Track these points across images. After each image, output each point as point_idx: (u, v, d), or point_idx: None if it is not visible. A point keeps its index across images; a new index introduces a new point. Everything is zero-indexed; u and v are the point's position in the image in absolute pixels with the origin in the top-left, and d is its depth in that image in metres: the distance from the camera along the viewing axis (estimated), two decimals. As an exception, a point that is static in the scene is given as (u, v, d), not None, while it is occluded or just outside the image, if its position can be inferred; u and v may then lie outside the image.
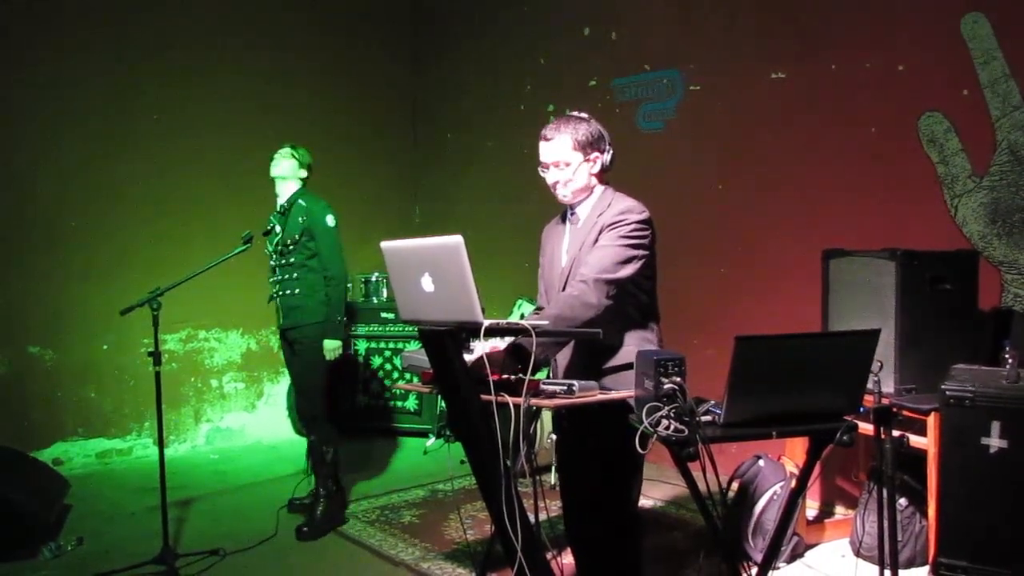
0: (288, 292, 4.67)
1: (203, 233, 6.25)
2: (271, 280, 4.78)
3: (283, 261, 4.69)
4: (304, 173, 4.79)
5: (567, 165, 2.99)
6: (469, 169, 7.30)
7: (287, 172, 4.74)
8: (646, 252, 2.94)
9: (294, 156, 4.75)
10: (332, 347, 4.69)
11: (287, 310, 4.70)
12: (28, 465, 5.00)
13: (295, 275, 4.66)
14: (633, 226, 2.91)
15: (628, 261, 2.89)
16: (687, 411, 2.37)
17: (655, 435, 2.38)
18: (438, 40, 7.59)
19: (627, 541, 3.08)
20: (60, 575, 4.13)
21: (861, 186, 4.62)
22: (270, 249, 4.77)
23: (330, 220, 4.68)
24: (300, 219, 4.65)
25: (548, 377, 3.04)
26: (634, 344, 2.93)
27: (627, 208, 2.95)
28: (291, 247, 4.64)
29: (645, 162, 5.48)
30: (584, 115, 3.06)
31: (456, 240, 2.47)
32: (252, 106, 6.75)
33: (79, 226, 6.06)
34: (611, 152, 3.06)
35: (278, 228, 4.72)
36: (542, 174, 3.06)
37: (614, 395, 2.74)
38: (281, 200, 4.75)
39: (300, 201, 4.71)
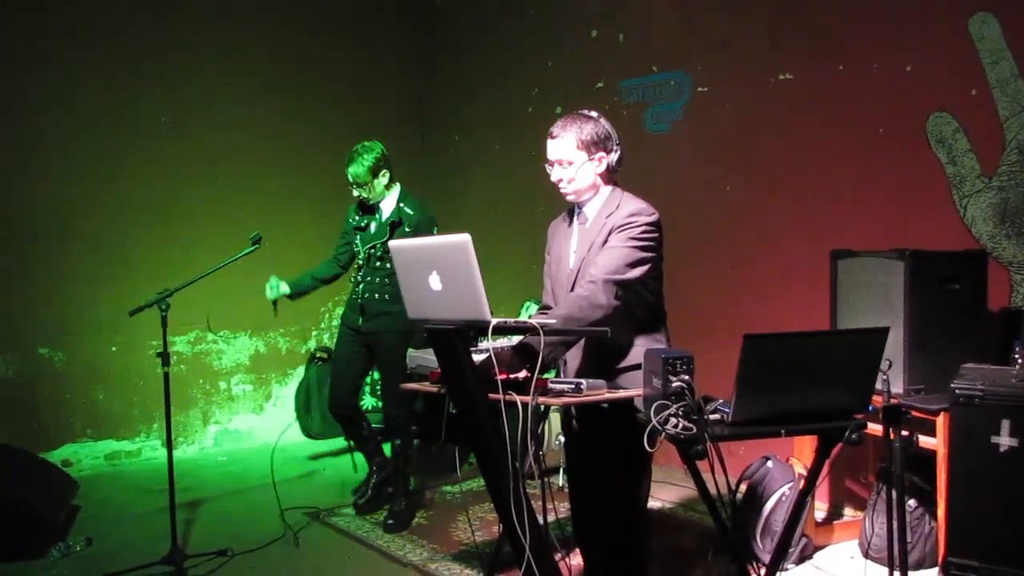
0: (376, 296, 4.65)
1: (211, 235, 6.25)
2: (355, 278, 4.75)
3: (376, 264, 4.66)
4: (385, 174, 4.65)
5: (570, 164, 3.00)
6: (477, 172, 7.31)
7: (379, 191, 4.66)
8: (655, 254, 2.95)
9: (371, 171, 4.60)
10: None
11: (372, 314, 4.67)
12: (37, 466, 5.02)
13: (387, 281, 4.61)
14: (643, 228, 2.92)
15: (638, 263, 2.90)
16: (695, 409, 2.37)
17: (663, 433, 2.38)
18: (446, 44, 7.60)
19: (636, 541, 3.08)
20: (69, 575, 4.14)
21: (869, 187, 4.61)
22: (361, 248, 4.70)
23: (436, 233, 4.61)
24: (406, 229, 4.59)
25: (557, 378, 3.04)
26: (643, 345, 2.93)
27: (637, 210, 2.95)
28: (388, 254, 4.59)
29: (652, 164, 5.48)
30: (593, 113, 3.07)
31: (464, 238, 2.47)
32: (260, 109, 6.76)
33: (87, 228, 6.07)
34: (619, 152, 3.06)
35: (373, 227, 4.68)
36: (547, 170, 3.07)
37: (622, 394, 2.74)
38: (386, 213, 4.69)
39: (407, 210, 4.65)
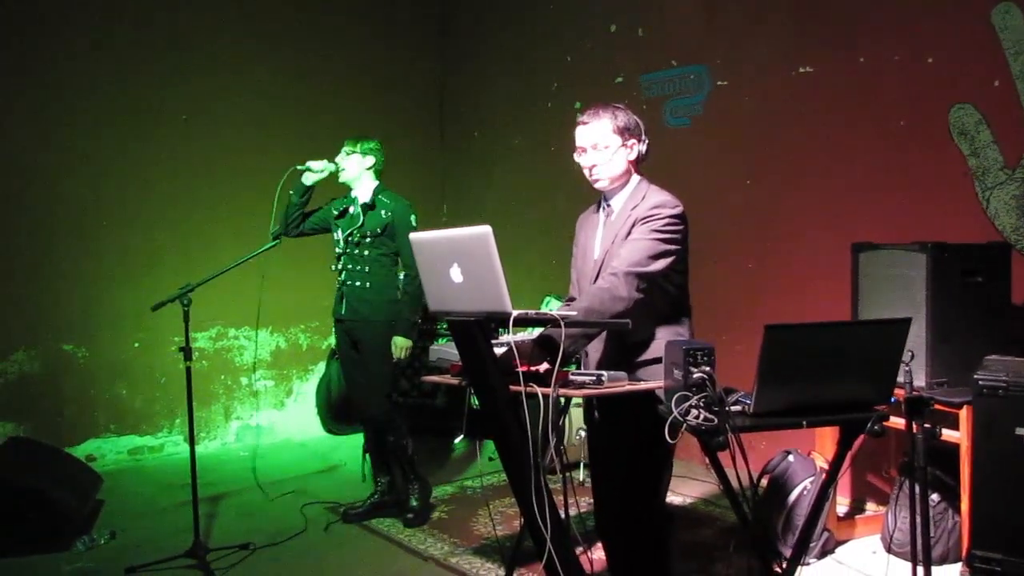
0: (358, 284, 4.66)
1: (232, 232, 6.28)
2: (337, 267, 4.76)
3: (356, 252, 4.67)
4: (371, 161, 4.72)
5: (606, 148, 2.99)
6: (496, 167, 7.31)
7: (354, 172, 4.73)
8: (678, 247, 2.93)
9: (354, 151, 4.71)
10: (404, 345, 4.67)
11: (353, 302, 4.67)
12: (62, 461, 5.07)
13: (367, 268, 4.64)
14: (666, 220, 2.90)
15: (660, 255, 2.88)
16: (716, 400, 2.36)
17: (684, 424, 2.38)
18: (465, 39, 7.62)
19: (657, 534, 3.07)
20: (93, 567, 4.18)
21: (891, 179, 4.58)
22: (341, 235, 4.72)
23: (413, 220, 4.67)
24: (383, 214, 4.64)
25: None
26: (665, 338, 2.92)
27: (661, 202, 2.94)
28: (368, 240, 4.64)
29: (672, 158, 5.45)
30: (620, 105, 3.08)
31: (485, 230, 2.47)
32: (280, 105, 6.80)
33: (110, 225, 6.13)
34: (647, 143, 3.06)
35: (359, 215, 4.69)
36: (577, 159, 3.06)
37: (643, 385, 2.73)
38: (362, 199, 4.72)
39: (382, 198, 4.70)
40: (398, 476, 4.90)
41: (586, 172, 3.04)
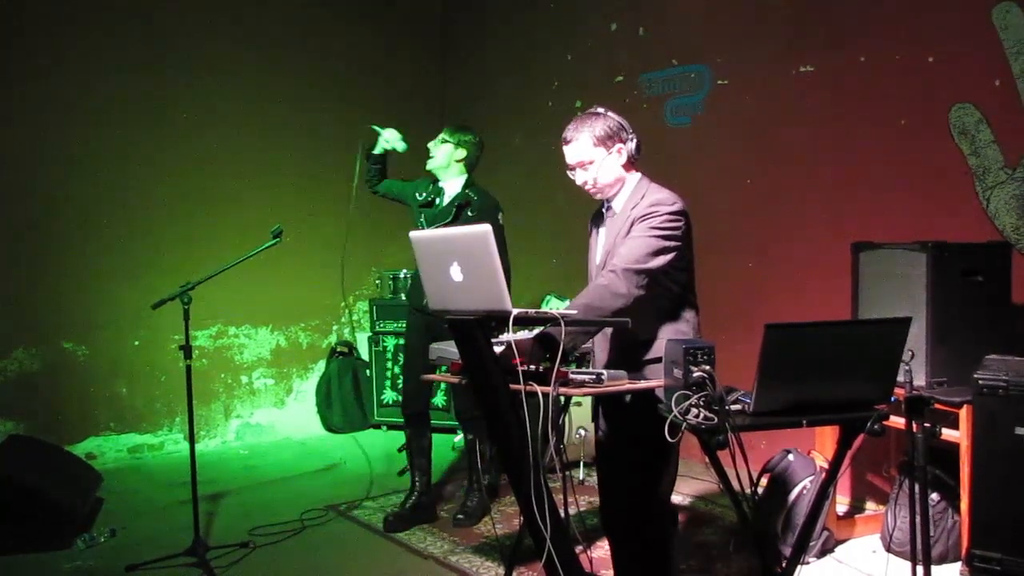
0: None
1: (233, 230, 6.27)
2: None
3: None
4: (462, 154, 4.61)
5: (591, 163, 2.99)
6: (497, 166, 7.28)
7: (442, 161, 4.61)
8: (678, 243, 2.92)
9: (447, 141, 4.61)
10: None
11: None
12: (62, 459, 5.08)
13: None
14: (664, 217, 2.90)
15: (659, 252, 2.88)
16: (717, 399, 2.36)
17: (684, 424, 2.38)
18: (465, 38, 7.61)
19: (660, 532, 3.08)
20: (93, 565, 4.18)
21: (891, 179, 4.58)
22: (425, 225, 4.59)
23: (500, 219, 4.57)
24: (469, 213, 4.51)
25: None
26: (668, 337, 2.92)
27: (659, 199, 2.94)
28: None
29: (673, 157, 5.46)
30: (599, 110, 3.06)
31: (484, 228, 2.47)
32: (281, 103, 6.79)
33: (110, 224, 6.12)
34: (635, 139, 3.05)
35: (438, 205, 4.62)
36: (571, 177, 3.06)
37: (643, 384, 2.74)
38: (450, 192, 4.63)
39: (471, 194, 4.59)
40: (469, 474, 4.83)
41: (582, 187, 3.05)
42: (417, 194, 4.71)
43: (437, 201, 4.64)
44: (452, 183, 4.64)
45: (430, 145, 4.66)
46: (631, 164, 3.06)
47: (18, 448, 4.90)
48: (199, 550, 4.08)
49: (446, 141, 4.61)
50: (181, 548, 4.11)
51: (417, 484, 4.76)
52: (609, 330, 3.04)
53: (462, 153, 4.60)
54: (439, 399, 6.65)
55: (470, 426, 4.75)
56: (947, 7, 4.32)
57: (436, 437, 6.45)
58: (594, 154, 2.98)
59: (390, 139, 4.71)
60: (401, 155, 4.77)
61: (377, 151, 4.76)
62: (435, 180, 4.70)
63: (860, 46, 4.69)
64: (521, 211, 6.92)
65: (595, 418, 3.30)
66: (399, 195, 4.80)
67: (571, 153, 3.02)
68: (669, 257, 2.89)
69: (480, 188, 4.66)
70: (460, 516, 4.65)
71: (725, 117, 5.43)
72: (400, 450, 5.21)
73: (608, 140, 2.98)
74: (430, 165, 4.65)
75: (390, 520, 4.62)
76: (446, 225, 4.43)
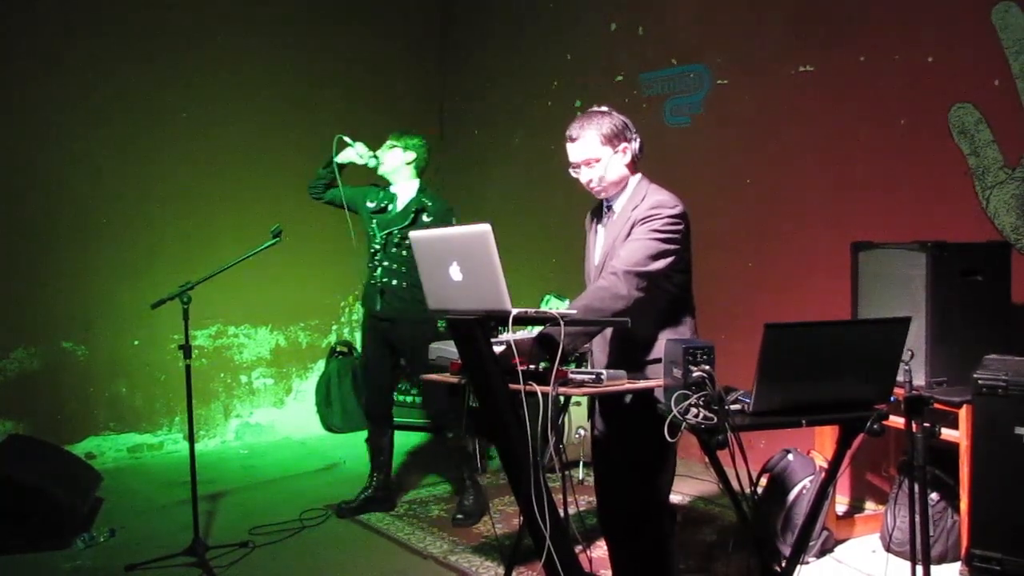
0: (395, 283, 4.63)
1: (232, 229, 6.27)
2: (372, 263, 4.71)
3: (394, 251, 4.63)
4: (411, 157, 4.67)
5: (597, 162, 2.97)
6: (496, 166, 7.31)
7: (393, 166, 4.67)
8: (678, 246, 2.92)
9: (395, 145, 4.67)
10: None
11: (393, 300, 4.63)
12: (62, 458, 5.08)
13: (404, 268, 4.59)
14: (666, 220, 2.89)
15: (660, 255, 2.88)
16: (716, 399, 2.36)
17: (684, 423, 2.38)
18: (465, 37, 7.61)
19: (659, 532, 3.08)
20: (93, 565, 4.18)
21: (890, 179, 4.58)
22: (378, 232, 4.66)
23: (455, 223, 4.57)
24: (425, 218, 4.57)
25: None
26: (667, 338, 2.92)
27: (660, 202, 2.93)
28: (408, 241, 4.60)
29: (672, 157, 5.46)
30: (604, 108, 3.05)
31: (484, 228, 2.47)
32: (280, 103, 6.79)
33: (110, 223, 6.12)
34: (639, 140, 3.05)
35: (391, 211, 4.66)
36: (574, 175, 3.05)
37: (642, 384, 2.74)
38: (403, 197, 4.69)
39: (424, 199, 4.65)
40: (460, 474, 4.85)
41: (585, 186, 3.04)
42: (368, 201, 4.76)
43: (390, 207, 4.70)
44: (404, 188, 4.72)
45: (379, 152, 4.72)
46: (633, 165, 3.06)
47: (18, 448, 4.90)
48: (198, 550, 4.08)
49: (394, 146, 4.68)
50: (180, 548, 4.11)
51: (373, 479, 4.90)
52: (607, 331, 3.04)
53: (411, 156, 4.69)
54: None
55: (447, 424, 4.77)
56: (947, 7, 4.32)
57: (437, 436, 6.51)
58: (601, 153, 2.97)
59: (362, 154, 4.72)
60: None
61: (340, 161, 4.73)
62: (386, 186, 4.76)
63: (860, 46, 4.69)
64: (520, 211, 6.94)
65: (591, 416, 3.30)
66: (348, 203, 4.78)
67: (576, 151, 3.00)
68: (669, 260, 2.89)
69: (433, 193, 4.75)
70: (459, 516, 4.65)
71: (724, 117, 5.43)
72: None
73: (615, 139, 2.98)
74: (381, 171, 4.72)
75: (342, 508, 4.84)
76: (402, 229, 4.58)
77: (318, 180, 4.80)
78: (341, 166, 4.73)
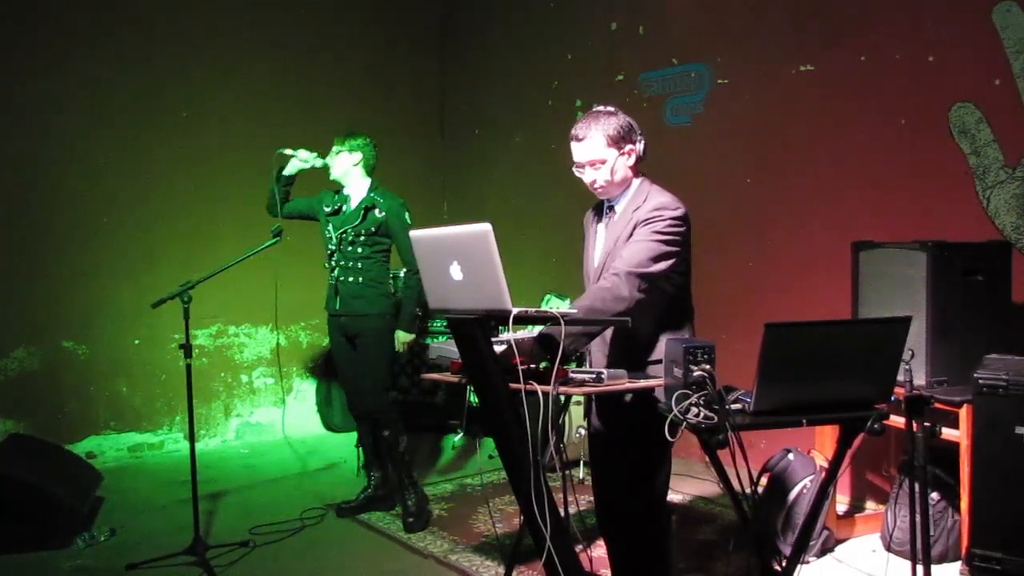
0: (351, 280, 4.66)
1: (232, 229, 6.28)
2: (329, 263, 4.76)
3: (349, 250, 4.66)
4: (358, 158, 4.71)
5: (603, 163, 2.95)
6: (497, 165, 7.31)
7: (342, 169, 4.72)
8: (679, 248, 2.92)
9: (340, 150, 4.71)
10: (406, 339, 4.75)
11: (347, 297, 4.67)
12: (63, 458, 5.08)
13: (360, 265, 4.64)
14: (668, 222, 2.89)
15: (662, 257, 2.87)
16: (716, 398, 2.36)
17: (684, 423, 2.38)
18: (465, 37, 7.61)
19: (657, 531, 3.08)
20: (93, 564, 4.19)
21: (891, 178, 4.58)
22: (333, 233, 4.70)
23: (408, 218, 4.67)
24: (377, 214, 4.63)
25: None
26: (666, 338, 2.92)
27: (663, 204, 2.92)
28: (362, 239, 4.64)
29: (673, 156, 5.45)
30: (611, 108, 3.04)
31: (484, 228, 2.47)
32: (280, 103, 6.79)
33: (110, 223, 6.13)
34: (643, 141, 3.04)
35: (344, 211, 4.70)
36: (578, 174, 3.03)
37: (642, 383, 2.73)
38: (355, 197, 4.73)
39: (376, 196, 4.69)
40: (392, 473, 4.88)
41: (588, 186, 3.03)
42: (324, 206, 4.81)
43: (344, 207, 4.75)
44: (356, 188, 4.77)
45: (327, 160, 4.76)
46: (637, 166, 3.05)
47: (18, 447, 4.90)
48: (199, 549, 4.08)
49: (340, 151, 4.73)
50: (181, 547, 4.11)
51: (372, 479, 4.94)
52: (606, 333, 3.04)
53: (357, 157, 4.73)
54: (438, 398, 6.65)
55: (383, 422, 4.75)
56: (947, 7, 4.32)
57: (438, 436, 6.51)
58: (606, 154, 2.95)
59: (307, 158, 4.75)
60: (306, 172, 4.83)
61: (290, 172, 4.79)
62: (339, 190, 4.81)
63: (860, 45, 4.69)
64: (520, 210, 6.94)
65: (587, 415, 3.30)
66: (306, 211, 4.87)
67: (582, 151, 2.99)
68: (671, 262, 2.88)
69: (385, 190, 4.78)
70: (410, 520, 4.61)
71: (725, 116, 5.43)
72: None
73: (621, 141, 2.96)
74: (332, 175, 4.78)
75: (342, 507, 4.85)
76: (355, 227, 4.64)
77: (273, 199, 4.82)
78: (292, 178, 4.80)
